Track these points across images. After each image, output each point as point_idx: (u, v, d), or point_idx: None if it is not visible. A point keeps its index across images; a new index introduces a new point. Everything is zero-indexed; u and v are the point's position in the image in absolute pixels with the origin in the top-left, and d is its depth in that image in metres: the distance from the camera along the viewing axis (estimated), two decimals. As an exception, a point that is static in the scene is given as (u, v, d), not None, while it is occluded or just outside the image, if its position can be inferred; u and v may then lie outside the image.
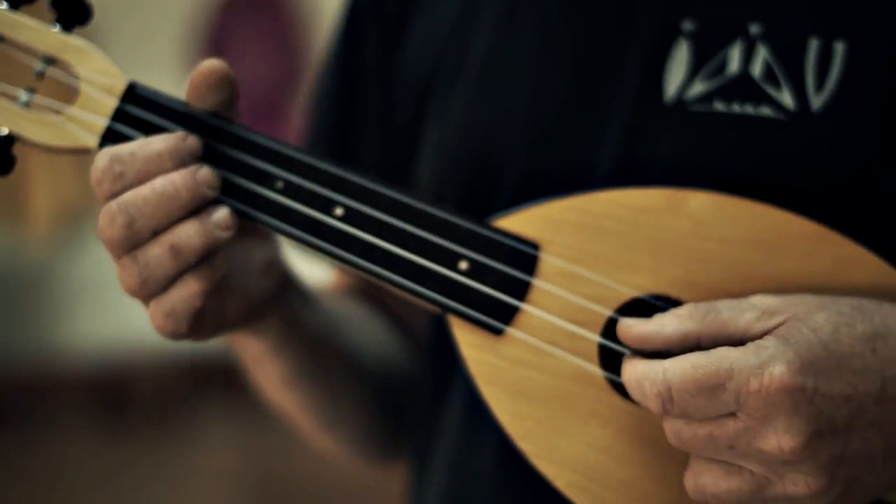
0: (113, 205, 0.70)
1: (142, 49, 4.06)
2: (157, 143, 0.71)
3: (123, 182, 0.70)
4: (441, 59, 0.86)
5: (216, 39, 4.56)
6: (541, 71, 0.80)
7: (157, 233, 0.70)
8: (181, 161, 0.70)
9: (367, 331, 0.94)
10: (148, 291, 0.71)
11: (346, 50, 0.93)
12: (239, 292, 0.77)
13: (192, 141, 0.71)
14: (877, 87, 0.74)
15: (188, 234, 0.69)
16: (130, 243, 0.70)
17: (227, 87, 0.74)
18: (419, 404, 0.91)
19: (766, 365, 0.63)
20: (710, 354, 0.64)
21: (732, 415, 0.64)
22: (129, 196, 0.70)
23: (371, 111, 0.92)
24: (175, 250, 0.69)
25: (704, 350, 0.65)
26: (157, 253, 0.70)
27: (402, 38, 0.89)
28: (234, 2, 4.74)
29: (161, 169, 0.70)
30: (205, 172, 0.70)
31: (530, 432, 0.72)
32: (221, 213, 0.70)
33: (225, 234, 0.70)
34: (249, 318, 0.79)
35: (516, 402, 0.72)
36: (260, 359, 0.87)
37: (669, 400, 0.64)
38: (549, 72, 0.80)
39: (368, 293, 0.97)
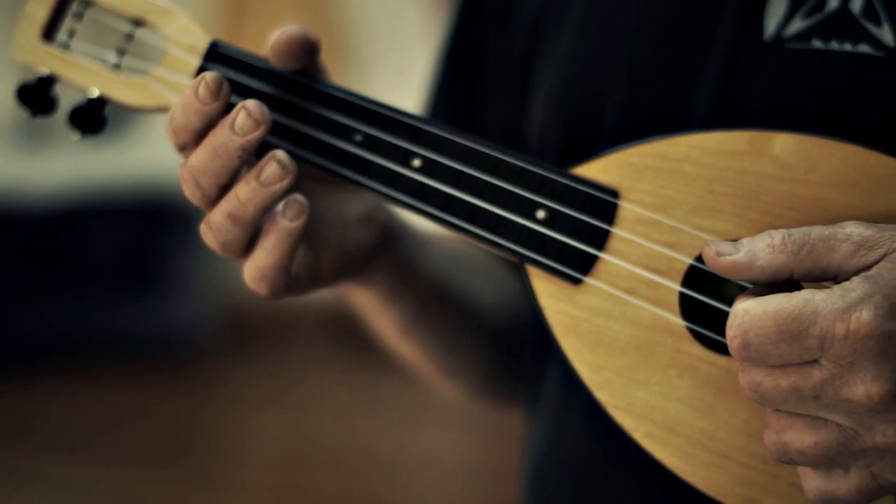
0: (182, 168, 0.71)
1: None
2: (186, 92, 0.71)
3: (178, 137, 0.71)
4: (534, 8, 0.85)
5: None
6: (643, 9, 0.79)
7: (224, 189, 0.71)
8: (212, 96, 0.71)
9: (485, 275, 0.95)
10: (232, 255, 0.73)
11: None
12: (335, 246, 0.78)
13: (209, 75, 0.71)
14: None
15: (241, 198, 0.71)
16: (205, 202, 0.72)
17: (306, 53, 0.75)
18: (529, 353, 0.91)
19: (852, 309, 0.60)
20: (794, 296, 0.62)
21: (816, 362, 0.61)
22: (192, 158, 0.71)
23: (493, 49, 0.92)
24: (233, 217, 0.71)
25: (796, 282, 0.63)
26: (219, 220, 0.72)
27: None
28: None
29: (202, 112, 0.71)
30: (243, 120, 0.70)
31: (608, 382, 0.72)
32: (271, 168, 0.71)
33: (280, 187, 0.71)
34: (350, 270, 0.80)
35: (594, 352, 0.72)
36: (373, 309, 0.88)
37: (747, 345, 0.62)
38: (651, 9, 0.79)
39: None
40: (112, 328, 4.30)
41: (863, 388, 0.61)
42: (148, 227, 4.28)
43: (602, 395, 0.72)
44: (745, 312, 0.62)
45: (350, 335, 4.10)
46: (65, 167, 4.35)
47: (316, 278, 0.77)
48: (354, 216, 0.79)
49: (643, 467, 0.73)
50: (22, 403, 3.90)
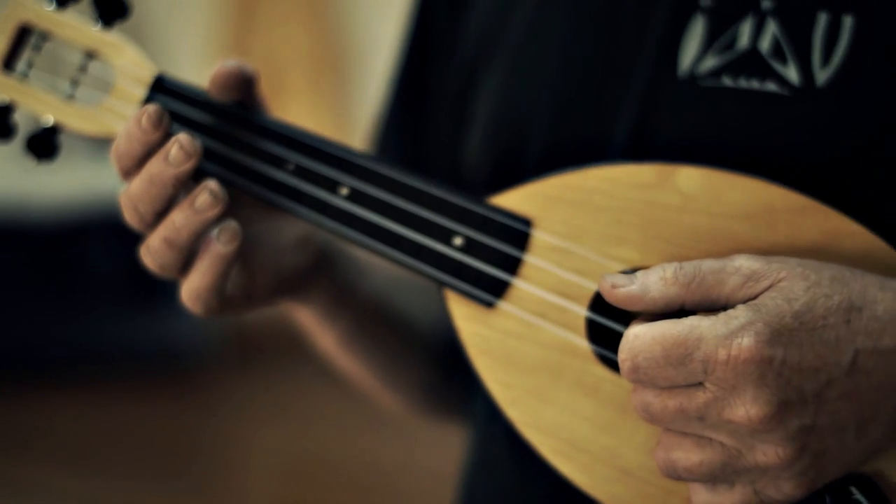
0: (123, 194, 0.76)
1: (173, 10, 4.20)
2: (130, 122, 0.76)
3: (122, 163, 0.76)
4: (488, 33, 0.90)
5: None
6: (569, 44, 0.84)
7: (160, 214, 0.76)
8: (153, 127, 0.75)
9: (421, 296, 0.99)
10: (169, 275, 0.78)
11: (420, 15, 0.99)
12: (270, 268, 0.83)
13: (151, 108, 0.76)
14: (883, 64, 0.75)
15: (176, 224, 0.76)
16: (144, 226, 0.76)
17: (244, 84, 0.80)
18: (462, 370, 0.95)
19: (734, 335, 0.65)
20: (680, 323, 0.66)
21: (701, 385, 0.66)
22: (131, 185, 0.76)
23: (437, 82, 0.97)
24: (168, 241, 0.76)
25: (689, 312, 0.67)
26: (156, 244, 0.77)
27: (466, 7, 0.93)
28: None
29: (143, 141, 0.75)
30: (176, 153, 0.75)
31: (517, 400, 0.76)
32: (203, 197, 0.76)
33: (212, 214, 0.76)
34: (286, 290, 0.85)
35: (506, 371, 0.76)
36: (313, 325, 0.93)
37: (637, 368, 0.66)
38: (576, 45, 0.84)
39: None
40: (116, 341, 4.35)
41: (743, 410, 0.65)
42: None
43: (512, 412, 0.77)
44: (636, 337, 0.66)
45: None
46: (70, 180, 4.41)
47: (251, 298, 0.82)
48: (290, 240, 0.84)
49: (556, 481, 0.77)
50: (27, 414, 3.96)
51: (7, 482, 3.47)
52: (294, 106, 4.63)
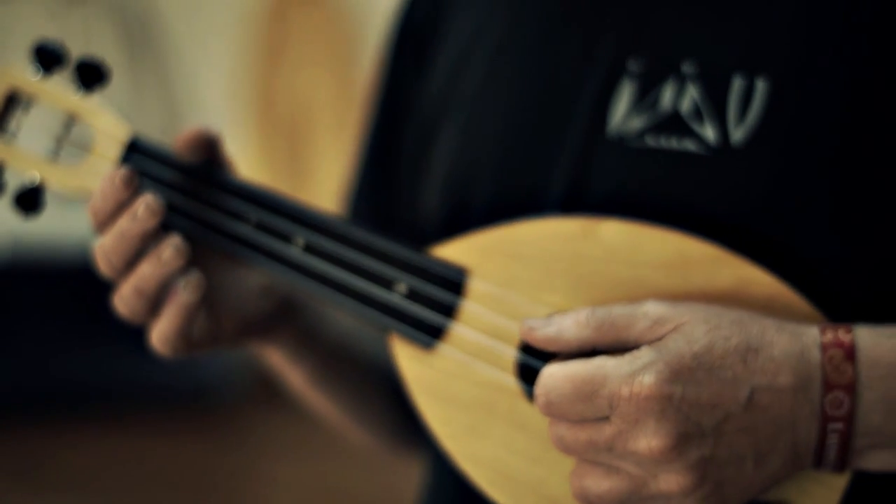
0: (97, 247, 0.84)
1: (200, 51, 4.31)
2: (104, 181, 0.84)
3: (97, 218, 0.84)
4: (445, 91, 0.97)
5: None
6: (512, 105, 0.91)
7: (130, 265, 0.84)
8: (125, 187, 0.84)
9: (381, 337, 1.05)
10: (139, 321, 0.86)
11: (389, 78, 1.06)
12: (235, 313, 0.90)
13: (121, 170, 0.85)
14: (794, 123, 0.81)
15: (144, 275, 0.85)
16: (115, 276, 0.84)
17: (209, 145, 0.88)
18: None
19: (636, 374, 0.72)
20: (589, 362, 0.73)
21: (608, 419, 0.73)
22: (104, 239, 0.84)
23: (404, 137, 1.04)
24: (138, 290, 0.84)
25: (603, 352, 0.74)
26: (126, 292, 0.85)
27: (427, 68, 1.01)
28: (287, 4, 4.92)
29: (115, 200, 0.84)
30: (143, 212, 0.83)
31: (455, 435, 0.83)
32: (168, 251, 0.84)
33: (176, 266, 0.84)
34: (251, 334, 0.93)
35: (444, 408, 0.83)
36: (282, 365, 1.01)
37: (550, 403, 0.73)
38: (518, 106, 0.91)
39: None
40: (142, 377, 4.44)
41: (646, 441, 0.72)
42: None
43: (450, 445, 0.84)
44: (549, 376, 0.74)
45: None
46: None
47: (217, 340, 0.90)
48: (254, 288, 0.91)
49: None
50: (57, 448, 4.05)
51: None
52: (320, 145, 4.73)
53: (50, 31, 5.50)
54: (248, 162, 3.69)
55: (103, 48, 5.67)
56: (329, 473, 3.74)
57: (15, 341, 4.52)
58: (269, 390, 4.38)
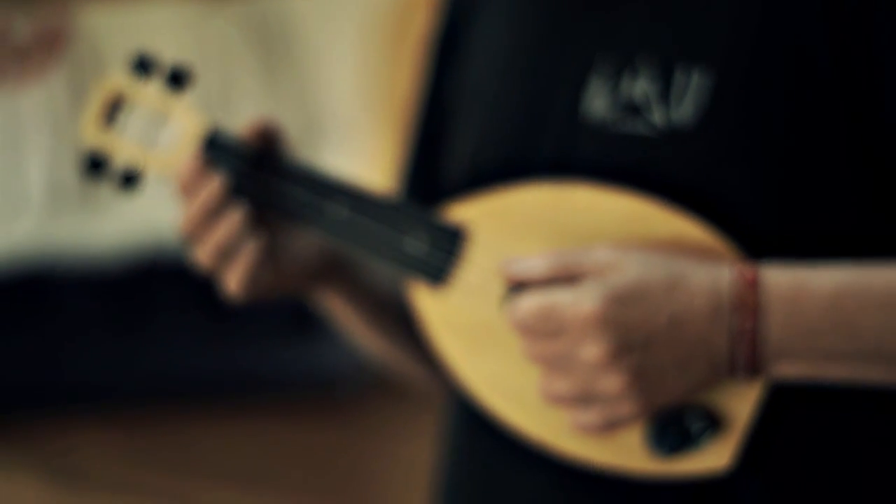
0: (183, 214, 1.12)
1: (332, 56, 4.56)
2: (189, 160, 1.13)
3: (183, 192, 1.11)
4: (455, 89, 1.22)
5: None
6: (504, 96, 1.16)
7: (208, 226, 1.11)
8: (200, 173, 1.11)
9: None
10: (216, 266, 1.12)
11: (430, 67, 1.31)
12: (293, 264, 1.19)
13: (200, 156, 1.14)
14: (737, 111, 1.03)
15: (221, 233, 1.13)
16: (196, 236, 1.12)
17: (272, 134, 1.15)
18: None
19: (580, 301, 0.95)
20: (547, 293, 0.97)
21: (560, 335, 0.96)
22: (190, 208, 1.13)
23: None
24: (217, 245, 1.12)
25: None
26: (208, 248, 1.12)
27: (455, 61, 1.26)
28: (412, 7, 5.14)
29: (192, 181, 1.10)
30: (216, 186, 1.11)
31: (459, 356, 1.08)
32: (238, 215, 1.13)
33: (244, 226, 1.12)
34: (307, 282, 1.21)
35: (451, 335, 1.08)
36: (340, 311, 1.28)
37: (518, 325, 0.98)
38: (511, 98, 1.15)
39: None
40: (278, 369, 4.75)
41: (587, 352, 0.96)
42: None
43: (457, 365, 1.08)
44: (518, 304, 0.98)
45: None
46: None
47: (279, 288, 1.18)
48: (307, 244, 1.19)
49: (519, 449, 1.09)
50: (200, 437, 4.39)
51: (181, 499, 3.85)
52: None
53: (187, 40, 5.86)
54: (380, 158, 3.96)
55: (240, 56, 6.00)
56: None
57: (157, 337, 4.87)
58: (388, 383, 4.67)
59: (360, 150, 4.18)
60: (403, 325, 1.28)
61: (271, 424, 4.44)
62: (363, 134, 4.31)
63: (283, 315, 4.90)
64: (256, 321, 4.90)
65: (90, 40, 5.44)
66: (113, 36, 5.95)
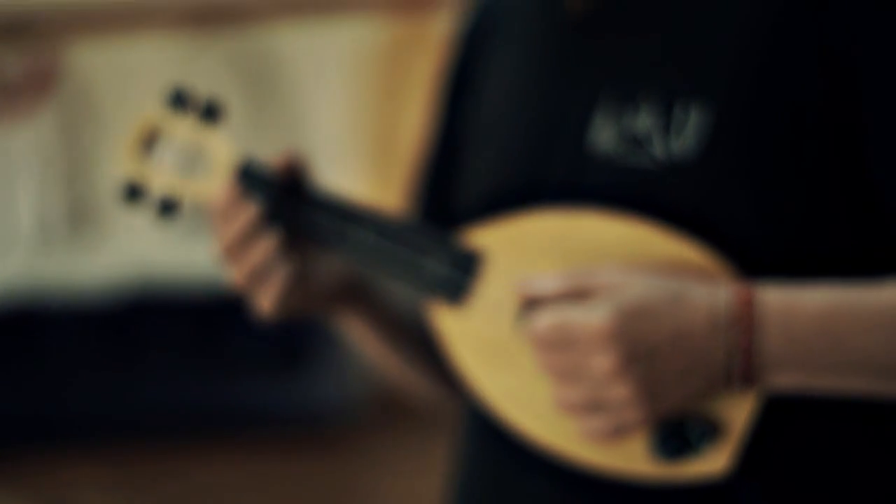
0: (219, 239, 1.22)
1: (319, 94, 4.65)
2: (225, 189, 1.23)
3: (218, 220, 1.21)
4: (468, 124, 1.32)
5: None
6: (513, 130, 1.24)
7: (243, 250, 1.20)
8: (235, 200, 1.20)
9: None
10: (251, 288, 1.22)
11: (444, 103, 1.39)
12: (321, 286, 1.28)
13: (233, 186, 1.23)
14: (735, 145, 1.09)
15: (256, 256, 1.23)
16: (231, 259, 1.21)
17: (300, 167, 1.25)
18: None
19: (589, 317, 1.05)
20: (560, 310, 1.07)
21: (573, 348, 1.06)
22: (226, 234, 1.22)
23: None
24: (253, 268, 1.20)
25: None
26: (245, 270, 1.22)
27: (462, 101, 1.35)
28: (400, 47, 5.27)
29: (229, 207, 1.20)
30: (245, 216, 1.21)
31: (478, 370, 1.17)
32: (271, 240, 1.22)
33: (277, 250, 1.21)
34: (329, 303, 1.30)
35: (471, 352, 1.17)
36: (358, 331, 1.36)
37: (534, 340, 1.07)
38: (520, 131, 1.23)
39: None
40: (266, 405, 4.82)
41: (598, 363, 1.05)
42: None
43: (475, 378, 1.17)
44: (534, 321, 1.08)
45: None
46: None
47: (307, 308, 1.27)
48: (334, 268, 1.28)
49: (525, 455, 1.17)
50: (192, 472, 4.47)
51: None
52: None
53: (175, 78, 5.93)
54: (366, 195, 4.05)
55: (228, 94, 6.06)
56: (436, 486, 4.07)
57: (148, 372, 4.96)
58: (383, 414, 4.76)
59: (348, 187, 4.26)
60: (419, 346, 1.37)
61: (262, 459, 4.52)
62: (351, 172, 4.41)
63: (273, 350, 5.00)
64: (246, 356, 5.00)
65: (80, 78, 5.53)
66: (102, 74, 6.04)
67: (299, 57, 5.50)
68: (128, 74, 6.23)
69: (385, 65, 5.67)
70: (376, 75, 5.66)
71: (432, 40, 5.80)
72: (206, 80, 6.01)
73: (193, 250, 5.10)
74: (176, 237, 5.12)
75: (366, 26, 5.94)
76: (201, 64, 5.91)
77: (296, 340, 5.10)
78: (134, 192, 1.31)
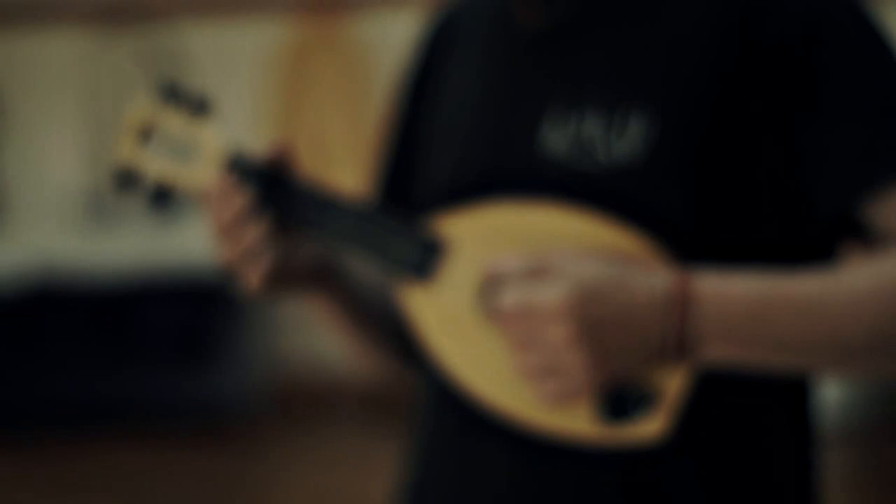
0: (214, 223, 1.37)
1: (226, 92, 4.75)
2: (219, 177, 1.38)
3: (212, 207, 1.37)
4: (428, 123, 1.47)
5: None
6: (471, 130, 1.39)
7: (235, 232, 1.35)
8: (230, 188, 1.36)
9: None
10: (241, 266, 1.37)
11: (404, 103, 1.53)
12: (302, 264, 1.42)
13: (224, 175, 1.38)
14: (672, 148, 1.22)
15: (247, 240, 1.37)
16: (223, 240, 1.36)
17: (287, 158, 1.40)
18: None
19: (548, 294, 1.22)
20: (521, 289, 1.23)
21: (532, 320, 1.23)
22: (220, 217, 1.37)
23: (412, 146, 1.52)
24: (245, 249, 1.36)
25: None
26: (238, 251, 1.37)
27: (425, 98, 1.49)
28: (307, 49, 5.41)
29: (223, 194, 1.36)
30: (239, 202, 1.36)
31: (444, 342, 1.33)
32: (259, 225, 1.37)
33: (264, 233, 1.36)
34: (304, 283, 1.44)
35: (437, 326, 1.33)
36: (327, 309, 1.51)
37: (502, 315, 1.24)
38: (475, 132, 1.38)
39: None
40: (169, 398, 4.90)
41: (553, 333, 1.22)
42: (201, 306, 4.93)
43: (440, 350, 1.33)
44: (501, 298, 1.24)
45: (379, 406, 4.67)
46: (129, 247, 4.98)
47: (289, 285, 1.41)
48: (312, 251, 1.43)
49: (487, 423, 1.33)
50: (90, 459, 4.55)
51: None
52: (338, 170, 5.24)
53: (83, 72, 6.03)
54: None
55: (134, 89, 6.12)
56: (337, 476, 4.20)
57: (49, 364, 5.01)
58: (281, 409, 4.87)
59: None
60: (384, 324, 1.51)
61: (161, 448, 4.58)
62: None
63: (176, 343, 5.09)
64: (148, 349, 5.08)
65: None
66: (10, 67, 6.09)
67: (207, 55, 5.60)
68: (36, 68, 6.27)
69: (292, 66, 5.80)
70: (283, 76, 5.78)
71: (340, 43, 5.94)
72: (114, 76, 6.07)
73: (97, 242, 5.17)
74: (79, 229, 5.18)
75: (274, 27, 6.06)
76: (110, 60, 5.97)
77: (198, 334, 5.19)
78: (129, 179, 1.44)
